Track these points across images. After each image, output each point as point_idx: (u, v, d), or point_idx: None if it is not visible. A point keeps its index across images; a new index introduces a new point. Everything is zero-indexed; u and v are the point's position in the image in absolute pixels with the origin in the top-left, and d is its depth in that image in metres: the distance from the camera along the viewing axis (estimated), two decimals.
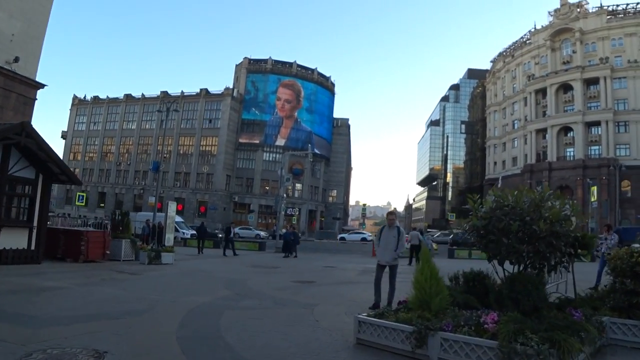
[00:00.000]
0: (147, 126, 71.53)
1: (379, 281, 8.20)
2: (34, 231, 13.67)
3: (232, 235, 24.72)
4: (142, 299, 8.43)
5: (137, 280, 11.81)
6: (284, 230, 31.66)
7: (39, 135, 14.09)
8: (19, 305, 7.14)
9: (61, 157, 70.29)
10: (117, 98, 75.12)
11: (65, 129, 78.51)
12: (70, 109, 78.27)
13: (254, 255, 24.93)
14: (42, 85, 21.30)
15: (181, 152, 69.00)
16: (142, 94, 73.14)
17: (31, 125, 13.39)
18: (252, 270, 16.48)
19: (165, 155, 68.87)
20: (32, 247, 13.59)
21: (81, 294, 8.76)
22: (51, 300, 7.74)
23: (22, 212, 13.76)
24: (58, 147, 76.40)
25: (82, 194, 33.81)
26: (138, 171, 69.90)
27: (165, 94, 70.33)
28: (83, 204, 32.44)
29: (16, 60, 19.54)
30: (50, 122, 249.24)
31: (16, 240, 13.11)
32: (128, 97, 74.35)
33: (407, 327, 5.25)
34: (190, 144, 68.73)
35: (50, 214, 16.93)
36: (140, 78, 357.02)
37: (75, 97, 78.37)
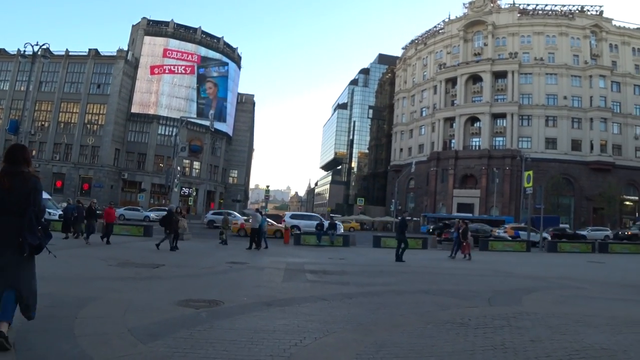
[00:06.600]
0: (22, 87, 62.12)
1: None
2: None
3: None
4: None
5: None
6: (64, 205, 23.07)
7: None
8: None
9: None
10: None
11: None
12: None
13: (135, 243, 19.28)
14: None
15: (62, 120, 60.92)
16: (19, 50, 63.00)
17: None
18: (114, 273, 9.74)
19: (43, 123, 60.65)
20: None
21: None
22: None
23: None
24: None
25: None
26: (9, 140, 60.67)
27: (46, 50, 61.10)
28: None
29: None
30: None
31: None
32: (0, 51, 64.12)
33: None
34: (75, 111, 60.90)
35: None
36: (16, 30, 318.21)
37: None
